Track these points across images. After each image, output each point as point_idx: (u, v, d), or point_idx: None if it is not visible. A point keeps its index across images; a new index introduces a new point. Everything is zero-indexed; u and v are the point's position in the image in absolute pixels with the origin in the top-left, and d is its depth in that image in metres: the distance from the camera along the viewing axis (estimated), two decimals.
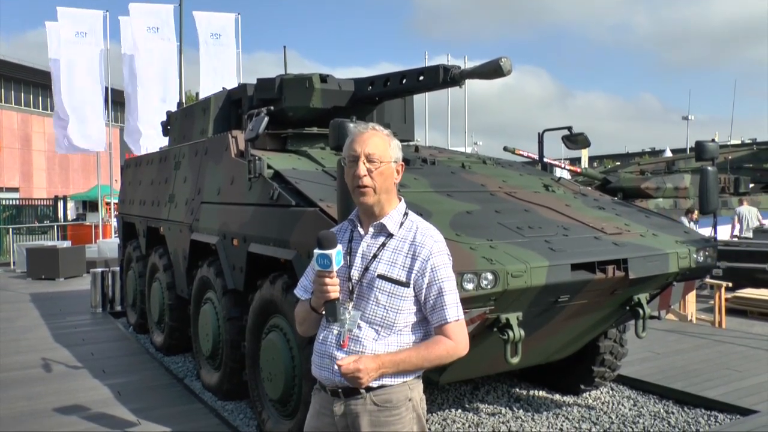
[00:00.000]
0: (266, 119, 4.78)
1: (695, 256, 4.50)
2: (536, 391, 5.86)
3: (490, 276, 3.53)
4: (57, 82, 17.80)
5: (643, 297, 4.45)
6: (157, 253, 7.39)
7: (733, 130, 43.99)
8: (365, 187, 2.27)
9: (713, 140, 5.77)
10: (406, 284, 2.23)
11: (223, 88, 6.84)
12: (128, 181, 9.20)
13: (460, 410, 5.41)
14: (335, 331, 2.29)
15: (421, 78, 5.24)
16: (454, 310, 2.24)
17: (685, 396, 5.58)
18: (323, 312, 2.27)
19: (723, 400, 5.38)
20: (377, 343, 2.24)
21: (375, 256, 2.28)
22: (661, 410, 5.39)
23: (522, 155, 8.95)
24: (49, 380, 6.28)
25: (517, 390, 5.91)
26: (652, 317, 4.57)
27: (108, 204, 21.88)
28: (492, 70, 4.55)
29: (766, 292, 10.37)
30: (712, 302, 9.03)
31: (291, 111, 5.76)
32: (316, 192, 4.33)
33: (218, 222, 5.52)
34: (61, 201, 25.48)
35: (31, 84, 38.52)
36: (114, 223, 18.03)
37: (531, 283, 3.69)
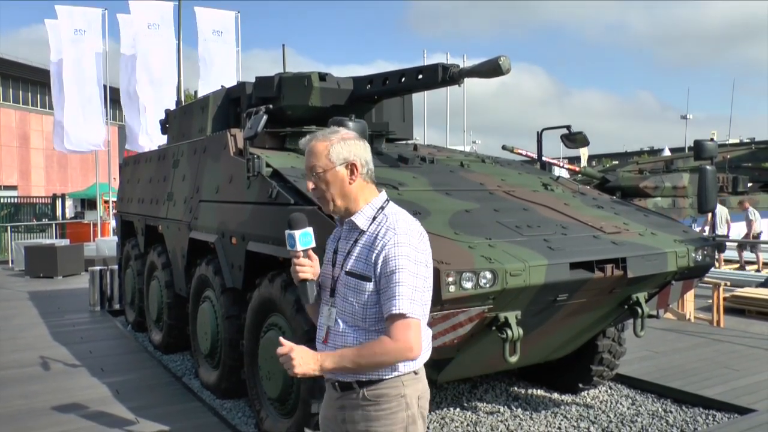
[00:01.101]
0: (265, 117, 4.77)
1: (694, 255, 4.50)
2: (535, 390, 5.87)
3: (488, 275, 3.53)
4: (56, 80, 17.77)
5: (641, 296, 4.46)
6: (156, 251, 7.38)
7: (730, 128, 44.05)
8: (318, 198, 2.32)
9: (711, 139, 5.77)
10: (367, 278, 2.20)
11: (222, 86, 6.83)
12: (127, 180, 9.19)
13: (458, 409, 5.41)
14: (322, 328, 2.38)
15: (420, 77, 5.24)
16: (397, 303, 2.11)
17: (683, 395, 5.59)
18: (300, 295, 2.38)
19: (721, 399, 5.39)
20: (352, 338, 2.25)
21: (349, 253, 2.28)
22: (660, 409, 5.39)
23: (521, 154, 8.95)
24: (47, 378, 6.28)
25: (516, 389, 5.91)
26: (650, 316, 4.58)
27: (106, 202, 21.86)
28: (491, 69, 4.55)
29: (765, 291, 10.39)
30: (711, 301, 9.04)
31: (290, 109, 5.76)
32: None
33: (217, 220, 5.51)
34: (60, 199, 25.46)
35: (30, 82, 38.49)
36: (112, 221, 18.01)
37: (530, 282, 3.69)
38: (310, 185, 2.29)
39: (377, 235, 2.21)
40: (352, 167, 2.26)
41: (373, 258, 2.18)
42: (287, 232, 2.31)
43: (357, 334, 2.25)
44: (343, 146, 2.26)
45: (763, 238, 14.61)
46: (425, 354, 2.31)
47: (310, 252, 2.37)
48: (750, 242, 14.23)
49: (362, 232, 2.26)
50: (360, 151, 2.29)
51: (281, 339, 2.33)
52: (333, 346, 2.29)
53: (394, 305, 2.11)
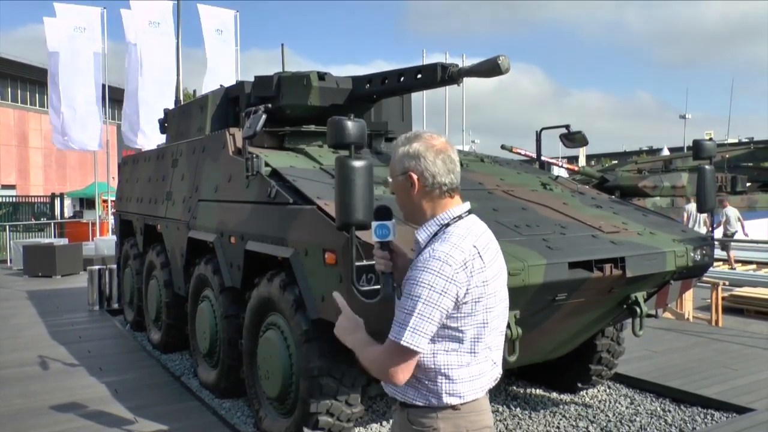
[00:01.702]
0: (264, 117, 4.77)
1: (692, 254, 4.50)
2: (533, 389, 5.87)
3: None
4: (54, 78, 17.74)
5: (640, 295, 4.46)
6: (155, 250, 7.38)
7: (729, 128, 44.11)
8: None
9: (709, 139, 5.77)
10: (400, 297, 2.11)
11: (221, 85, 6.83)
12: (125, 179, 9.19)
13: None
14: None
15: (419, 76, 5.23)
16: (399, 330, 1.99)
17: (681, 394, 5.60)
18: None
19: (719, 399, 5.39)
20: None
21: (411, 267, 2.12)
22: (658, 408, 5.40)
23: (520, 154, 8.96)
24: (45, 378, 6.27)
25: (515, 388, 5.92)
26: (649, 315, 4.59)
27: (105, 201, 21.85)
28: (490, 69, 4.54)
29: (764, 290, 10.41)
30: (709, 300, 9.05)
31: (289, 109, 5.75)
32: (314, 190, 4.33)
33: (216, 220, 5.51)
34: (58, 198, 25.45)
35: (28, 81, 38.46)
36: (111, 220, 18.00)
37: (528, 282, 3.70)
38: (389, 189, 2.23)
39: (421, 252, 2.07)
40: (411, 179, 2.12)
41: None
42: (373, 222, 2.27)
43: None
44: (407, 156, 2.13)
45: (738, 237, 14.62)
46: (470, 390, 2.11)
47: (394, 245, 2.26)
48: (755, 242, 14.26)
49: (422, 249, 2.10)
50: (424, 162, 2.10)
51: (336, 294, 2.30)
52: None
53: (395, 330, 2.01)
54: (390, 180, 2.22)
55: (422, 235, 2.13)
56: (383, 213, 2.25)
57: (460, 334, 2.04)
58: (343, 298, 2.31)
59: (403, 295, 2.02)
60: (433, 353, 2.06)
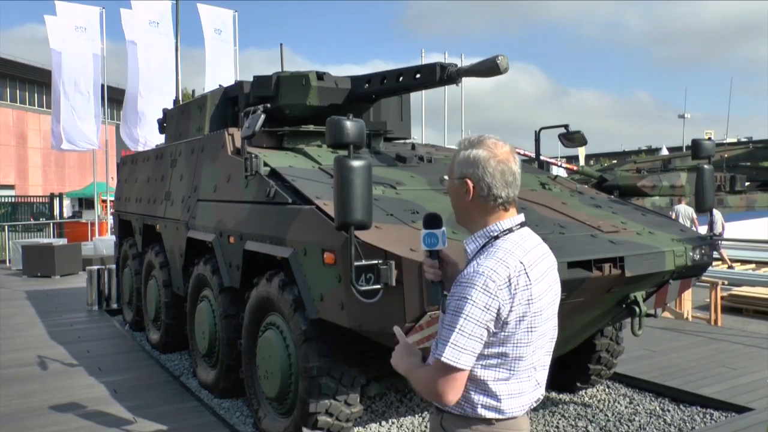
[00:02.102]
0: (263, 117, 4.77)
1: (691, 254, 4.50)
2: None
3: None
4: (56, 77, 17.72)
5: (639, 295, 4.46)
6: (154, 250, 7.37)
7: (728, 128, 44.13)
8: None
9: (708, 138, 5.77)
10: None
11: (220, 85, 6.83)
12: (124, 179, 9.18)
13: None
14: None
15: (418, 76, 5.23)
16: (441, 347, 1.93)
17: (680, 394, 5.60)
18: None
19: (718, 398, 5.40)
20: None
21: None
22: (657, 408, 5.40)
23: (518, 153, 8.95)
24: (44, 378, 6.27)
25: None
26: (648, 315, 4.59)
27: (104, 201, 21.85)
28: (489, 68, 4.55)
29: (762, 290, 10.42)
30: (708, 300, 9.06)
31: (288, 108, 5.75)
32: (313, 190, 4.33)
33: (214, 220, 5.51)
34: (57, 198, 25.43)
35: (27, 81, 38.44)
36: (110, 220, 17.99)
37: None
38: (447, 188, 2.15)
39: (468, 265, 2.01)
40: (466, 185, 2.04)
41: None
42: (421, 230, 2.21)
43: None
44: (467, 161, 2.04)
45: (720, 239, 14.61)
46: (508, 408, 2.05)
47: (443, 253, 2.18)
48: (755, 241, 14.26)
49: (470, 261, 2.03)
50: (482, 171, 2.01)
51: (396, 328, 2.26)
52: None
53: (439, 348, 1.94)
54: (446, 179, 2.18)
55: (470, 246, 2.07)
56: (433, 221, 2.18)
57: (502, 352, 1.97)
58: (401, 330, 2.25)
59: (447, 311, 1.96)
60: (473, 365, 1.99)
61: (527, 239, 2.08)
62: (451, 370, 1.93)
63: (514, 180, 2.04)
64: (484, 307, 1.90)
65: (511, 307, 1.93)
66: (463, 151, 2.06)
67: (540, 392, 2.13)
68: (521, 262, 1.98)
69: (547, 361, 2.13)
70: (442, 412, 2.09)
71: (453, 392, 1.96)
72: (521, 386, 2.04)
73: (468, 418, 2.04)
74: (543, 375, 2.12)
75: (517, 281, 1.94)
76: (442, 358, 1.91)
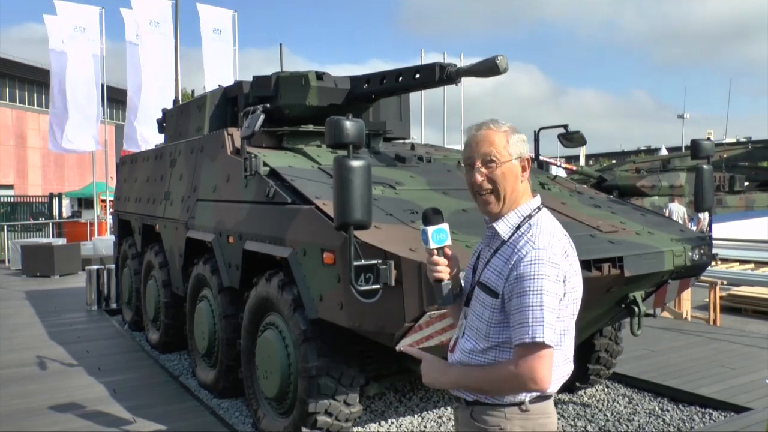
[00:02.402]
0: (262, 117, 4.78)
1: (690, 254, 4.50)
2: None
3: None
4: (56, 77, 17.71)
5: (638, 295, 4.46)
6: (153, 250, 7.37)
7: (727, 128, 44.16)
8: (483, 194, 2.07)
9: (708, 138, 5.78)
10: (495, 294, 1.98)
11: (219, 85, 6.82)
12: (124, 179, 9.18)
13: None
14: (453, 337, 2.21)
15: (418, 76, 5.24)
16: (531, 330, 1.86)
17: (679, 393, 5.60)
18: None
19: (717, 398, 5.40)
20: (473, 354, 2.05)
21: (487, 262, 2.06)
22: (656, 408, 5.41)
23: None
24: (43, 378, 6.27)
25: None
26: (647, 315, 4.59)
27: (103, 201, 21.82)
28: (488, 69, 4.55)
29: (761, 290, 10.42)
30: (707, 300, 9.06)
31: (287, 108, 5.75)
32: (312, 190, 4.34)
33: (214, 219, 5.51)
34: (56, 198, 25.40)
35: (26, 81, 38.41)
36: (109, 220, 17.98)
37: None
38: (479, 178, 2.05)
39: (516, 246, 1.97)
40: (525, 163, 2.07)
41: (507, 273, 1.95)
42: (421, 227, 2.14)
43: (476, 350, 2.04)
44: (519, 139, 2.06)
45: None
46: (551, 386, 2.00)
47: (447, 250, 2.16)
48: (753, 241, 14.26)
49: (503, 242, 2.03)
50: (527, 148, 2.10)
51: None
52: (454, 357, 2.13)
53: (526, 332, 1.87)
54: (493, 164, 2.05)
55: (503, 227, 2.05)
56: (434, 217, 2.13)
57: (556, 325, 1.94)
58: (418, 350, 2.20)
59: (518, 294, 1.90)
60: (512, 345, 1.96)
61: (551, 215, 2.13)
62: (547, 351, 1.88)
63: None
64: (556, 279, 1.92)
65: (570, 277, 1.97)
66: (513, 134, 2.07)
67: (570, 366, 2.10)
68: (565, 235, 2.06)
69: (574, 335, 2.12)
70: (471, 404, 2.07)
71: (549, 374, 1.91)
72: (557, 360, 2.00)
73: (502, 405, 2.01)
74: (572, 349, 2.10)
75: (568, 252, 2.01)
76: (545, 340, 1.85)
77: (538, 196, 2.14)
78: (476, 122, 2.13)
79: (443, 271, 2.14)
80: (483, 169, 2.04)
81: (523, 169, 2.07)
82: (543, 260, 1.90)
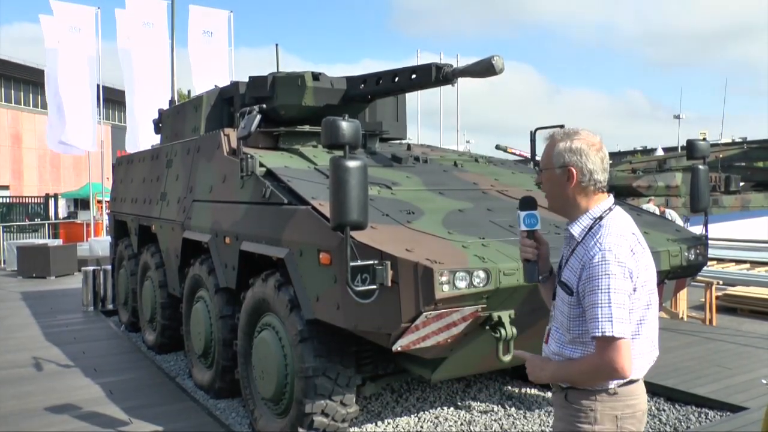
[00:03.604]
0: (258, 117, 4.78)
1: (686, 254, 4.51)
2: (528, 389, 5.88)
3: (482, 274, 3.54)
4: (51, 78, 17.67)
5: None
6: (149, 251, 7.36)
7: (722, 128, 44.25)
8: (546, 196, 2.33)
9: (703, 139, 5.79)
10: (570, 292, 2.19)
11: (215, 86, 6.82)
12: (120, 179, 9.17)
13: (452, 408, 5.42)
14: (546, 329, 2.40)
15: (414, 76, 5.24)
16: (600, 325, 2.06)
17: (676, 393, 5.61)
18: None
19: (713, 397, 5.41)
20: (563, 345, 2.26)
21: (566, 262, 2.27)
22: (653, 407, 5.41)
23: (514, 153, 8.97)
24: (39, 379, 6.26)
25: (509, 388, 5.92)
26: None
27: (100, 202, 21.77)
28: (484, 69, 4.56)
29: (757, 290, 10.44)
30: (703, 300, 9.08)
31: (283, 109, 5.75)
32: (309, 190, 4.33)
33: (210, 220, 5.50)
34: (53, 199, 25.34)
35: (22, 81, 38.28)
36: (106, 221, 17.94)
37: (522, 281, 3.70)
38: (536, 180, 2.30)
39: (588, 247, 2.17)
40: (570, 172, 2.23)
41: (579, 272, 2.17)
42: (517, 211, 2.40)
43: (565, 341, 2.25)
44: (567, 150, 2.23)
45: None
46: (636, 372, 2.21)
47: (538, 234, 2.42)
48: (749, 241, 14.29)
49: (578, 243, 2.23)
50: (584, 158, 2.21)
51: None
52: (548, 348, 2.34)
53: (596, 327, 2.07)
54: (541, 169, 2.32)
55: (576, 229, 2.25)
56: (529, 203, 2.39)
57: (629, 318, 2.12)
58: (521, 351, 2.42)
59: (589, 292, 2.10)
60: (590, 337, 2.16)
61: (625, 215, 2.29)
62: (621, 342, 2.06)
63: (608, 166, 2.29)
64: (623, 276, 2.09)
65: (637, 274, 2.13)
66: (562, 143, 2.25)
67: (656, 353, 2.29)
68: (633, 234, 2.23)
69: (657, 321, 2.29)
70: (565, 389, 2.25)
71: (629, 362, 2.09)
72: (641, 348, 2.20)
73: (591, 391, 2.21)
74: (656, 335, 2.28)
75: (635, 250, 2.17)
76: (614, 334, 2.05)
77: (611, 197, 2.31)
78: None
79: (530, 252, 2.40)
80: (539, 173, 2.28)
81: (568, 179, 2.23)
82: (609, 261, 2.09)
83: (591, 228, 2.21)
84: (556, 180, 2.25)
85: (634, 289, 2.12)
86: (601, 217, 2.23)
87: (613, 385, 2.19)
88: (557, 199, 2.29)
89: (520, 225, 2.38)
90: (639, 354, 2.18)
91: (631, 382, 2.21)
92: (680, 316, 8.76)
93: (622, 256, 2.11)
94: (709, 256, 5.15)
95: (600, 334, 2.06)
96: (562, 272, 2.28)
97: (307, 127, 5.78)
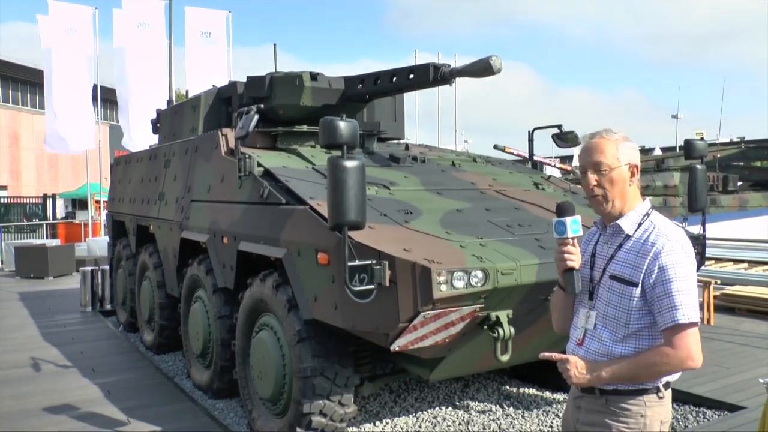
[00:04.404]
0: (256, 117, 4.77)
1: None
2: (526, 389, 5.88)
3: (480, 274, 3.54)
4: (49, 78, 17.65)
5: None
6: (147, 251, 7.36)
7: (720, 128, 44.30)
8: (596, 197, 2.29)
9: (701, 138, 5.80)
10: (634, 284, 2.18)
11: (213, 85, 6.82)
12: (118, 179, 9.16)
13: (450, 408, 5.42)
14: (578, 330, 2.38)
15: (412, 76, 5.24)
16: (682, 312, 2.09)
17: (674, 392, 5.56)
18: (561, 284, 2.38)
19: (711, 397, 5.42)
20: (613, 343, 2.24)
21: (612, 257, 2.28)
22: None
23: (512, 153, 8.97)
24: (37, 379, 6.25)
25: (508, 388, 5.93)
26: None
27: (98, 202, 21.76)
28: (482, 69, 4.56)
29: (755, 289, 10.45)
30: (701, 299, 9.09)
31: (281, 109, 5.75)
32: (306, 190, 4.34)
33: (208, 220, 5.50)
34: (50, 199, 25.32)
35: (20, 81, 38.24)
36: (104, 220, 17.92)
37: (521, 281, 3.71)
38: (591, 183, 2.28)
39: (648, 241, 2.19)
40: (633, 169, 2.28)
41: (646, 264, 2.16)
42: (556, 219, 2.32)
43: (616, 339, 2.23)
44: (629, 147, 2.27)
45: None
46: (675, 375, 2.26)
47: (576, 240, 2.38)
48: (747, 241, 14.31)
49: (627, 237, 2.25)
50: (638, 156, 2.31)
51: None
52: (587, 350, 2.31)
53: (678, 315, 2.09)
54: (604, 171, 2.26)
55: (627, 225, 2.27)
56: (569, 209, 2.34)
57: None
58: (558, 354, 2.36)
59: (664, 282, 2.12)
60: (654, 331, 2.19)
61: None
62: (695, 329, 2.12)
63: None
64: (691, 265, 2.16)
65: (694, 261, 2.20)
66: (624, 142, 2.28)
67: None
68: (681, 227, 2.31)
69: None
70: (605, 393, 2.23)
71: (700, 350, 2.15)
72: None
73: (642, 391, 2.20)
74: None
75: (688, 241, 2.23)
76: (692, 324, 2.10)
77: (648, 198, 2.36)
78: (592, 131, 2.35)
79: (577, 260, 2.33)
80: (594, 176, 2.26)
81: (632, 174, 2.28)
82: (677, 251, 2.15)
83: (641, 223, 2.25)
84: (623, 177, 2.26)
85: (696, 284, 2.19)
86: (647, 214, 2.27)
87: (661, 384, 2.20)
88: (621, 198, 2.27)
89: (567, 232, 2.30)
90: None
91: (668, 384, 2.25)
92: None
93: (687, 246, 2.18)
94: (707, 255, 5.16)
95: (687, 320, 2.07)
96: (607, 267, 2.28)
97: (305, 127, 5.78)
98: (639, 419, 2.19)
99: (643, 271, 2.16)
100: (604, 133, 2.29)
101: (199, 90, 7.03)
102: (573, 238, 2.33)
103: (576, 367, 2.26)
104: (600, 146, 2.26)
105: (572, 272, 2.32)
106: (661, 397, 2.21)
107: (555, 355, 2.31)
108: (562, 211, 2.32)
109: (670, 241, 2.16)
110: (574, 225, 2.30)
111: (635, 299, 2.18)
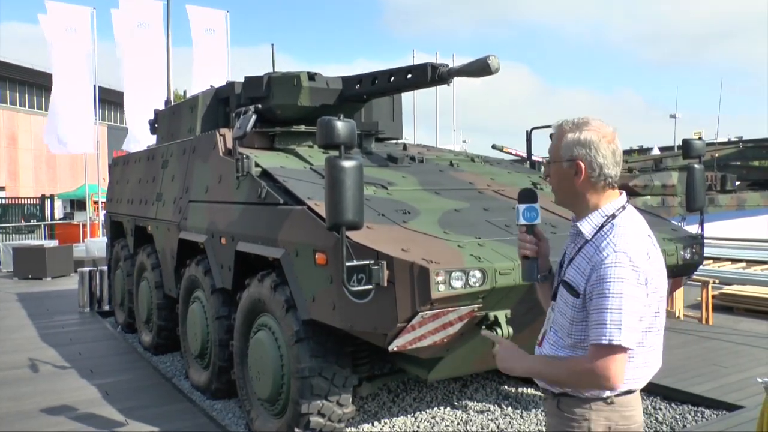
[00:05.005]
0: (254, 117, 4.77)
1: (682, 253, 4.52)
2: (525, 389, 5.88)
3: (478, 274, 3.54)
4: (52, 78, 17.63)
5: None
6: (145, 252, 7.35)
7: (718, 127, 44.32)
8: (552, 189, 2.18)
9: (699, 138, 5.81)
10: (576, 294, 2.03)
11: (211, 86, 6.81)
12: (116, 180, 9.15)
13: (448, 408, 5.42)
14: (542, 330, 2.27)
15: (409, 76, 5.24)
16: (607, 331, 1.90)
17: (672, 392, 5.62)
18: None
19: (710, 396, 5.42)
20: (558, 350, 2.12)
21: (571, 260, 2.10)
22: (649, 406, 5.42)
23: (510, 153, 8.97)
24: (35, 380, 6.24)
25: (506, 388, 5.93)
26: None
27: (96, 203, 21.74)
28: (480, 68, 4.56)
29: (753, 289, 10.46)
30: (699, 299, 9.10)
31: (279, 109, 5.75)
32: (304, 190, 4.33)
33: (206, 220, 5.50)
34: (49, 200, 25.30)
35: (18, 82, 38.26)
36: (102, 221, 17.90)
37: (519, 281, 3.70)
38: (544, 172, 2.19)
39: (599, 247, 2.00)
40: (578, 167, 2.05)
41: (588, 273, 2.00)
42: (516, 204, 2.27)
43: (558, 347, 2.12)
44: (576, 143, 2.05)
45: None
46: (636, 376, 2.08)
47: (538, 230, 2.27)
48: (745, 240, 14.32)
49: (587, 241, 2.06)
50: (594, 151, 2.04)
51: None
52: (542, 351, 2.20)
53: (603, 333, 1.91)
54: (548, 162, 2.17)
55: (586, 227, 2.08)
56: (529, 195, 2.25)
57: (639, 326, 1.99)
58: (494, 334, 2.37)
59: (598, 295, 1.95)
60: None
61: (638, 215, 2.14)
62: (621, 352, 1.93)
63: (620, 159, 2.10)
64: (637, 282, 1.94)
65: (649, 279, 1.99)
66: (569, 134, 2.07)
67: (659, 365, 2.17)
68: (648, 236, 2.08)
69: (662, 330, 2.17)
70: (557, 395, 2.12)
71: (622, 374, 1.96)
72: (646, 357, 2.08)
73: (585, 399, 2.07)
74: (660, 344, 2.18)
75: (649, 254, 2.02)
76: (621, 343, 1.90)
77: (624, 194, 2.16)
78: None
79: (529, 249, 2.24)
80: (546, 167, 2.15)
81: (576, 172, 2.06)
82: (623, 264, 1.93)
83: (602, 226, 2.05)
84: (564, 174, 2.08)
85: (647, 295, 1.98)
86: (614, 216, 2.06)
87: (609, 392, 2.05)
88: (565, 195, 2.13)
89: (519, 219, 2.23)
90: (643, 363, 2.07)
91: (630, 392, 2.09)
92: (676, 315, 8.77)
93: (638, 259, 1.95)
94: (705, 255, 5.16)
95: (607, 342, 1.90)
96: (565, 271, 2.11)
97: (302, 127, 5.78)
98: (582, 423, 2.07)
99: (586, 280, 2.00)
100: (569, 123, 2.10)
101: (203, 88, 7.02)
102: (527, 226, 2.24)
103: (504, 351, 2.19)
104: (555, 135, 2.13)
105: (528, 260, 2.26)
106: (609, 402, 2.06)
107: (490, 335, 2.36)
108: (521, 197, 2.25)
109: (617, 251, 1.94)
110: (528, 212, 2.22)
111: (576, 310, 2.03)
